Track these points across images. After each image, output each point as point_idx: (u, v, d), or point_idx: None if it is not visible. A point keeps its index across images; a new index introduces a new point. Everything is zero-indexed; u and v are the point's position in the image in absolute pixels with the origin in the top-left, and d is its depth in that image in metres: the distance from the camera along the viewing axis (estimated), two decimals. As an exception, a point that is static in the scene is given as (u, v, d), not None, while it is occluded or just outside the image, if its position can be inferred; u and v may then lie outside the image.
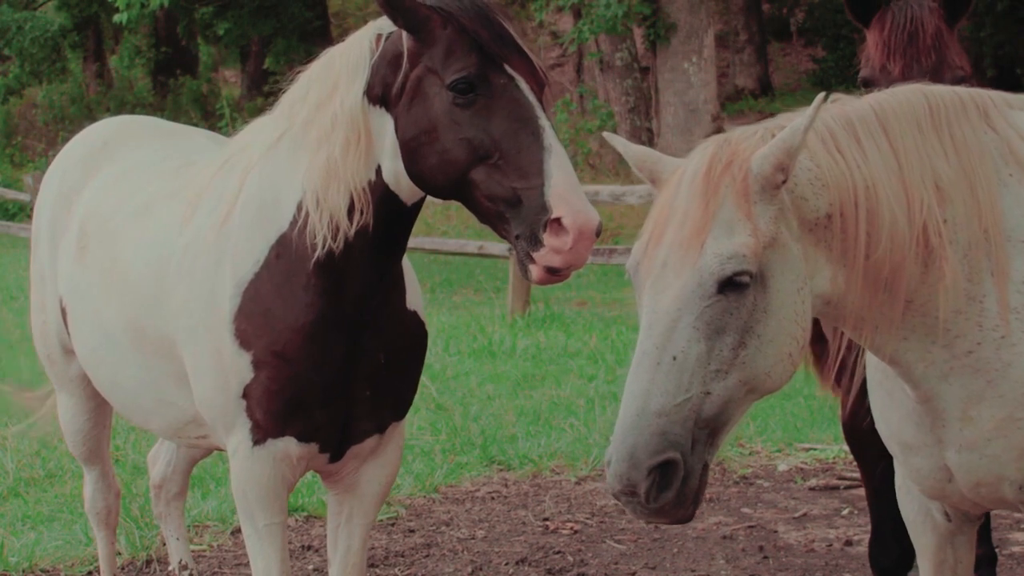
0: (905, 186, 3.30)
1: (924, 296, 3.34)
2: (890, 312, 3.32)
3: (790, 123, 3.18)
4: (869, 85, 4.55)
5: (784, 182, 3.16)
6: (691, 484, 3.06)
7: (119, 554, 6.33)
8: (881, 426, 3.72)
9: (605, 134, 3.75)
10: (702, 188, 3.14)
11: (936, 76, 4.34)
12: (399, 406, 4.36)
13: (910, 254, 3.29)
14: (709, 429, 3.10)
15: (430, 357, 4.47)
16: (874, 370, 3.71)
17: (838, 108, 3.36)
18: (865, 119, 3.34)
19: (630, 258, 3.23)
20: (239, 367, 4.13)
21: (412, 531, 6.99)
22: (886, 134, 3.33)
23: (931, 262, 3.32)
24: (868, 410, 4.72)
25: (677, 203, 3.17)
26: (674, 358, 3.06)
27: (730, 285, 3.07)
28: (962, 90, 3.50)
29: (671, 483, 3.03)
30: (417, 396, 4.51)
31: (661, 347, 3.07)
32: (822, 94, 3.20)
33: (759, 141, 3.22)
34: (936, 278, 3.32)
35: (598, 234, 3.67)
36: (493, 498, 7.58)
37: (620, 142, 3.49)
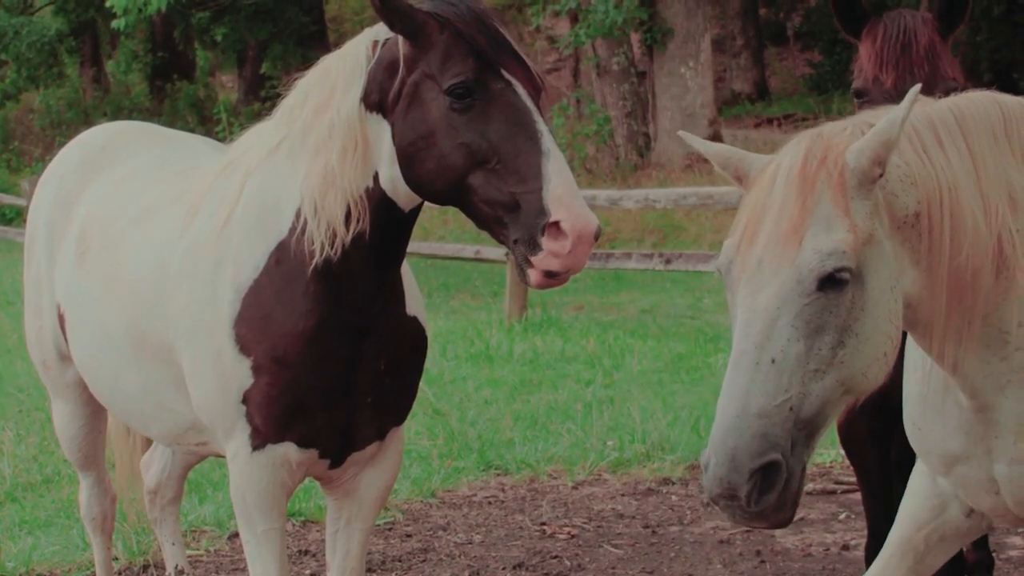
0: (982, 192, 3.26)
1: (991, 306, 3.31)
2: (967, 319, 3.28)
3: (880, 118, 3.14)
4: (861, 96, 4.56)
5: (881, 175, 3.12)
6: (792, 487, 3.01)
7: (116, 559, 6.33)
8: (924, 436, 3.68)
9: (680, 133, 3.67)
10: (798, 184, 3.09)
11: (929, 88, 4.34)
12: (399, 412, 4.37)
13: (987, 261, 3.25)
14: (807, 431, 3.04)
15: (427, 362, 4.47)
16: (919, 381, 3.67)
17: (919, 108, 3.32)
18: (945, 121, 3.30)
19: (721, 256, 3.18)
20: (239, 372, 4.13)
21: (409, 536, 6.99)
22: (965, 138, 3.30)
23: (1002, 271, 3.29)
24: (863, 413, 4.73)
25: (772, 200, 3.12)
26: (773, 358, 3.00)
27: (830, 282, 3.02)
28: None
29: (773, 486, 2.98)
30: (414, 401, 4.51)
31: (760, 346, 3.02)
32: (917, 86, 3.16)
33: (850, 136, 3.18)
34: (1005, 288, 3.29)
35: (597, 238, 3.66)
36: (490, 503, 7.58)
37: (699, 141, 3.45)
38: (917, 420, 3.67)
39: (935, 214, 3.20)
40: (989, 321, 3.33)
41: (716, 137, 23.24)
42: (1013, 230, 3.29)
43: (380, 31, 3.98)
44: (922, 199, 3.20)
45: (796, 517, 7.31)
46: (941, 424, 3.57)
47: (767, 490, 2.98)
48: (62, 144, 5.77)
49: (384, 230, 4.02)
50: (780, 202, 3.11)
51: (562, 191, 3.64)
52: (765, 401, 2.99)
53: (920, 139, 3.26)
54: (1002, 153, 3.34)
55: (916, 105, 3.29)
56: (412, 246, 4.21)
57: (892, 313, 3.11)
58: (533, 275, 3.69)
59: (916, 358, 3.66)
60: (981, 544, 5.19)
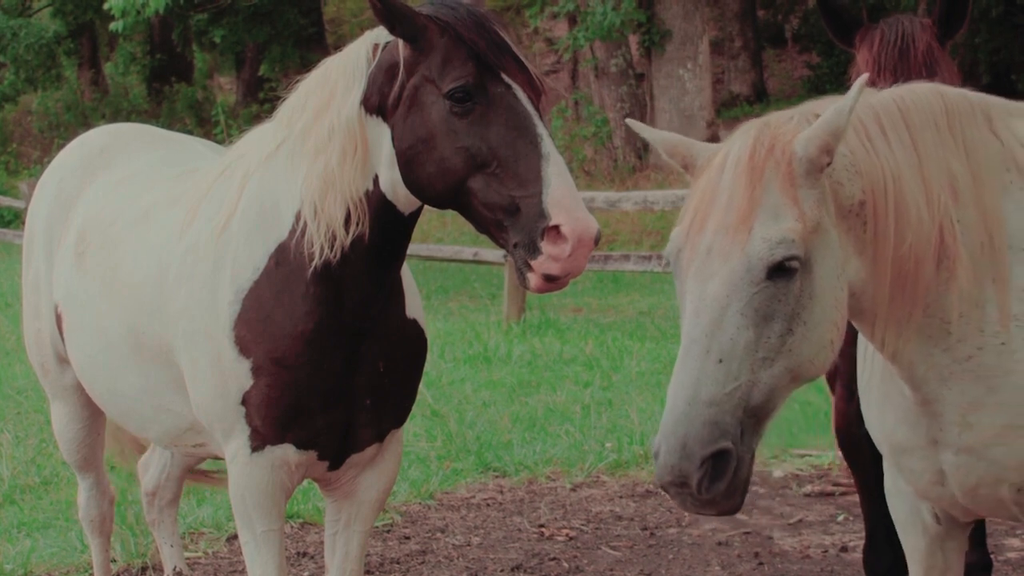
0: (925, 181, 3.30)
1: (932, 296, 3.34)
2: (908, 309, 3.31)
3: (827, 107, 3.16)
4: None
5: (829, 164, 3.15)
6: (741, 474, 3.04)
7: (114, 561, 6.33)
8: (874, 427, 3.72)
9: (628, 120, 3.72)
10: (747, 172, 3.12)
11: None
12: (399, 414, 4.37)
13: (929, 250, 3.28)
14: (756, 418, 3.07)
15: (426, 364, 4.48)
16: (868, 371, 3.71)
17: (863, 99, 3.34)
18: (889, 112, 3.34)
19: (669, 244, 3.20)
20: (238, 374, 4.13)
21: (407, 538, 6.99)
22: (908, 129, 3.33)
23: (943, 261, 3.32)
24: (861, 416, 4.73)
25: (721, 188, 3.15)
26: (722, 347, 3.03)
27: (779, 271, 3.05)
28: (971, 94, 3.52)
29: (724, 473, 3.00)
30: (413, 403, 4.51)
31: (710, 335, 3.04)
32: (864, 75, 3.18)
33: (797, 125, 3.21)
34: (945, 278, 3.32)
35: (596, 242, 3.67)
36: (488, 505, 7.58)
37: (645, 129, 3.48)
38: (871, 405, 3.71)
39: (880, 203, 3.23)
40: (931, 312, 3.36)
41: (714, 139, 23.24)
42: (954, 219, 3.32)
43: (381, 34, 3.99)
44: (867, 188, 3.23)
45: (795, 519, 7.34)
46: (890, 412, 3.60)
47: (718, 478, 3.00)
48: (60, 146, 5.80)
49: (384, 233, 4.02)
50: (729, 190, 3.13)
51: (562, 195, 3.65)
52: (715, 389, 3.01)
53: (865, 129, 3.29)
54: (944, 144, 3.37)
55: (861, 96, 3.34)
56: (410, 248, 4.21)
57: (838, 301, 3.15)
58: (533, 279, 3.69)
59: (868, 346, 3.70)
60: (979, 545, 5.20)
